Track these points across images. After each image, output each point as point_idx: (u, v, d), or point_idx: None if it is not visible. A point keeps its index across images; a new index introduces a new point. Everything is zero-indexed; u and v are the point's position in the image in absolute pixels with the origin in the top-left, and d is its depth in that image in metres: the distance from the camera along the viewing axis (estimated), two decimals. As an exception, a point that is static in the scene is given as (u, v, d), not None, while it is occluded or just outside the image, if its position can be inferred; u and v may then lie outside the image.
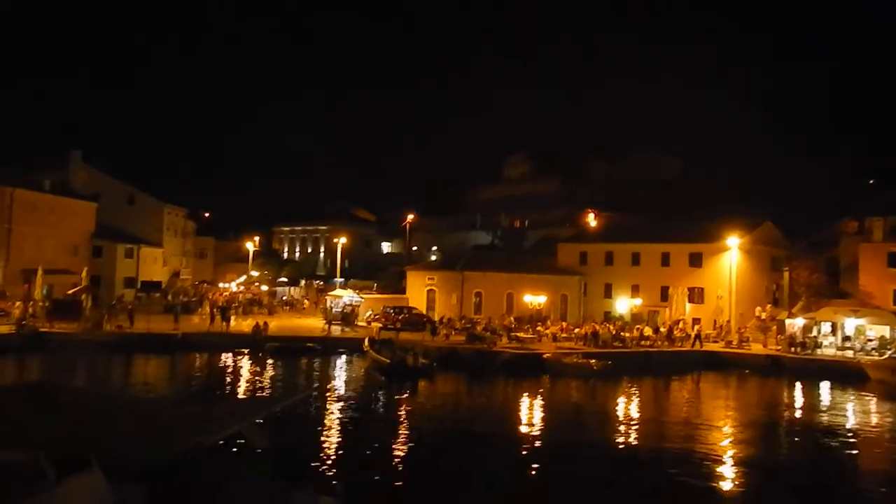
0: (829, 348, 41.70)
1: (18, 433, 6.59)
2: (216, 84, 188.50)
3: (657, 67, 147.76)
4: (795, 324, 43.04)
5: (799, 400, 32.73)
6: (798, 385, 34.78)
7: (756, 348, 42.54)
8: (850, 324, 41.90)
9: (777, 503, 15.46)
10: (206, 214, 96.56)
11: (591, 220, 73.00)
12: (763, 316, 46.50)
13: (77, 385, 28.64)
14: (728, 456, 20.10)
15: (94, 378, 31.03)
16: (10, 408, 7.09)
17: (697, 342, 43.00)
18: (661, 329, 45.04)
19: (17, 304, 41.92)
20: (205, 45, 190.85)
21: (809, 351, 40.74)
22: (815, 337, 42.32)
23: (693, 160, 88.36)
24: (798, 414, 28.90)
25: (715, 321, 48.62)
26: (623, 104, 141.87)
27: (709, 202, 64.05)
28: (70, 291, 47.09)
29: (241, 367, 35.34)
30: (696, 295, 51.25)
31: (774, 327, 44.85)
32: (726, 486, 16.95)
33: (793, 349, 40.84)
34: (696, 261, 52.20)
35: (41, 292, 45.81)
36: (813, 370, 37.26)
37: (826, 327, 43.19)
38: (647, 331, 44.53)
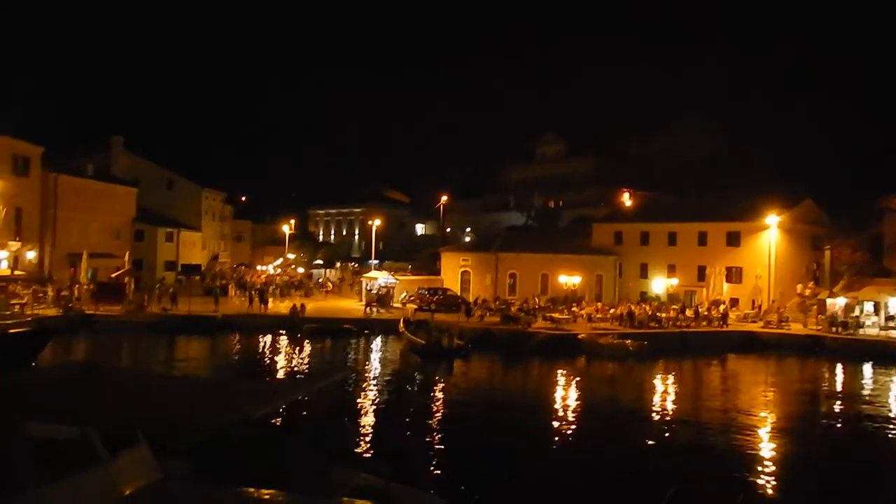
0: (871, 328, 40.82)
1: (69, 410, 6.85)
2: (252, 66, 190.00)
3: (693, 42, 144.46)
4: (837, 303, 42.19)
5: (840, 381, 32.13)
6: (839, 366, 34.13)
7: (796, 328, 41.84)
8: (894, 303, 40.92)
9: (817, 489, 15.25)
10: (243, 198, 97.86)
11: (626, 199, 72.20)
12: (807, 293, 45.63)
13: (123, 364, 29.53)
14: (766, 438, 19.88)
15: (139, 358, 31.95)
16: (61, 386, 7.36)
17: (722, 322, 42.47)
18: (688, 311, 44.49)
19: (61, 288, 43.20)
20: (236, 26, 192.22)
21: (851, 331, 39.91)
22: (857, 317, 41.46)
23: (731, 137, 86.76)
24: (839, 396, 28.35)
25: (753, 301, 47.90)
26: (658, 81, 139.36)
27: (747, 180, 62.82)
28: (113, 275, 48.32)
29: (279, 347, 35.97)
30: (734, 275, 50.53)
31: (815, 307, 44.02)
32: (763, 469, 16.76)
33: (834, 329, 40.06)
34: (733, 240, 51.37)
35: (86, 276, 47.07)
36: (855, 351, 36.52)
37: (869, 307, 42.25)
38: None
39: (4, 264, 42.50)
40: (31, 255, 48.42)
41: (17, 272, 40.86)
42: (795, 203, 51.92)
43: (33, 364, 24.51)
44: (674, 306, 45.79)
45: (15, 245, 45.64)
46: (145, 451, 7.74)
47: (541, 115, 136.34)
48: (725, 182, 66.09)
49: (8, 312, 34.49)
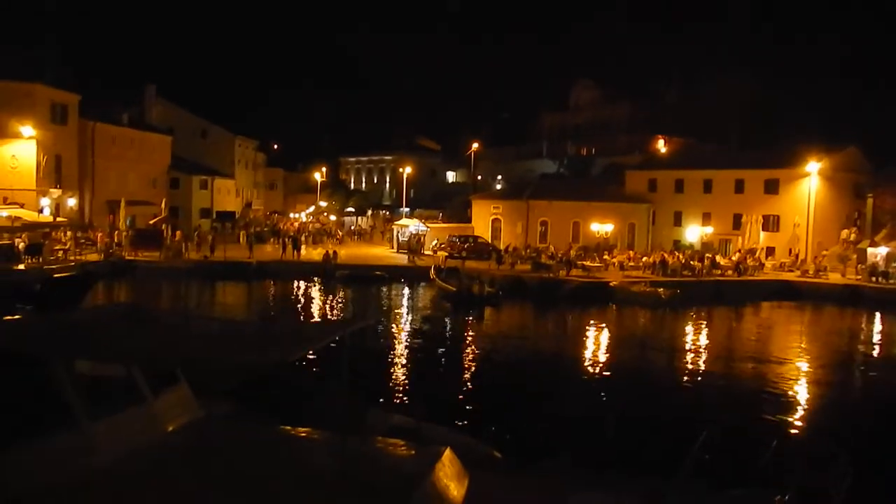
0: (915, 278, 39.95)
1: (114, 350, 7.09)
2: (283, 14, 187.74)
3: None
4: (878, 252, 41.27)
5: (878, 331, 31.66)
6: (878, 316, 33.59)
7: (834, 278, 41.12)
8: (939, 252, 39.95)
9: (850, 435, 15.21)
10: (276, 146, 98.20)
11: (661, 146, 70.76)
12: (852, 238, 44.66)
13: (164, 308, 30.34)
14: (799, 385, 19.79)
15: (179, 302, 32.79)
16: (106, 326, 7.61)
17: (755, 271, 41.88)
18: (718, 258, 43.89)
19: (103, 234, 44.22)
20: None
21: (893, 281, 39.09)
22: (898, 266, 40.55)
23: (773, 83, 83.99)
24: (876, 346, 27.96)
25: (790, 250, 47.08)
26: (696, 25, 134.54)
27: (789, 127, 61.08)
28: (151, 221, 49.29)
29: (313, 293, 36.59)
30: (771, 223, 49.60)
31: (854, 256, 43.14)
32: (796, 416, 16.76)
33: (874, 279, 39.27)
34: (772, 187, 50.25)
35: (125, 223, 48.10)
36: (895, 301, 35.86)
37: (912, 256, 41.27)
38: (719, 259, 43.63)
39: (47, 211, 43.55)
40: (71, 202, 49.52)
41: (59, 219, 41.86)
42: (838, 150, 50.34)
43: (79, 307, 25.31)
44: (707, 254, 45.23)
45: (56, 192, 46.67)
46: (186, 390, 8.01)
47: (576, 60, 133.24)
48: (769, 130, 64.36)
49: (52, 258, 35.47)
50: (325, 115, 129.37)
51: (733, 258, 44.05)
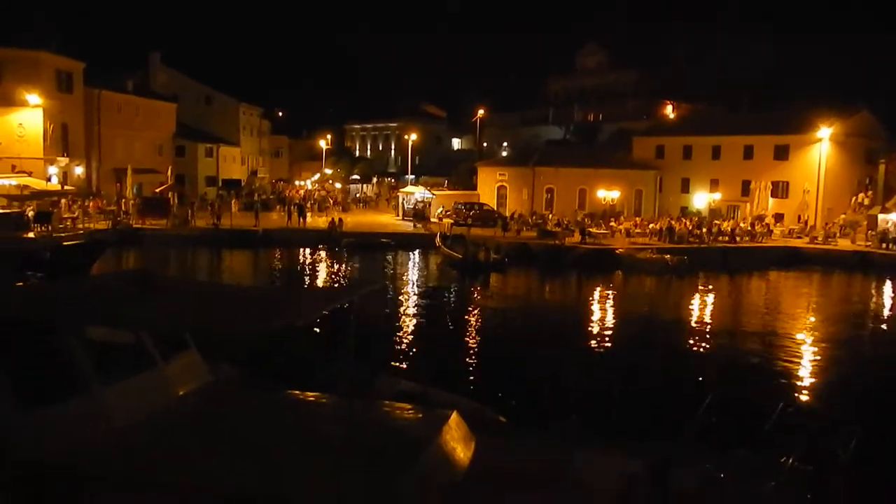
0: (926, 245, 39.68)
1: (123, 316, 7.14)
2: (283, 14, 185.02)
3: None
4: (889, 219, 40.97)
5: (889, 298, 31.57)
6: (888, 283, 33.47)
7: (843, 244, 40.91)
8: (951, 219, 39.63)
9: (855, 400, 15.29)
10: (280, 113, 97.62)
11: (670, 112, 70.05)
12: (866, 202, 44.31)
13: (172, 275, 30.50)
14: (806, 351, 19.80)
15: (186, 270, 32.98)
16: (115, 292, 7.65)
17: (762, 238, 41.69)
18: (725, 225, 43.71)
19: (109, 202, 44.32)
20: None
21: (903, 248, 38.85)
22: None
23: (785, 47, 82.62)
24: (885, 313, 27.88)
25: (799, 216, 46.84)
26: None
27: (800, 91, 60.25)
28: (157, 189, 49.32)
29: (319, 261, 36.70)
30: (780, 189, 49.28)
31: (865, 223, 42.86)
32: (802, 381, 16.82)
33: (884, 245, 39.04)
34: (781, 153, 49.79)
35: (132, 190, 48.15)
36: (906, 267, 35.70)
37: (923, 223, 40.97)
38: (725, 226, 43.45)
39: (55, 180, 43.62)
40: (79, 170, 49.57)
41: (66, 187, 41.94)
42: (850, 115, 49.65)
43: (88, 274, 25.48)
44: (716, 221, 45.03)
45: (63, 161, 46.69)
46: (196, 356, 8.09)
47: (583, 25, 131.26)
48: (780, 95, 63.50)
49: (61, 226, 35.62)
50: (330, 82, 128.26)
51: (725, 226, 43.57)
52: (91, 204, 43.51)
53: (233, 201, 49.97)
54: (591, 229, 42.09)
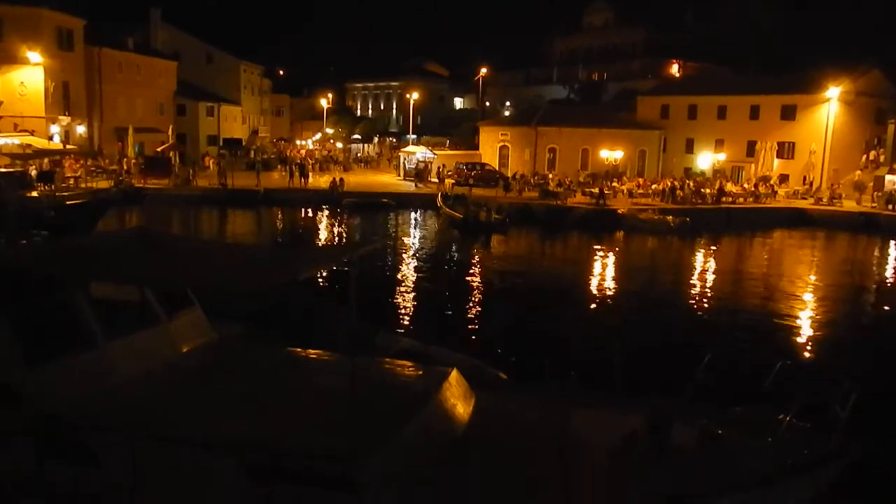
0: (934, 206, 39.48)
1: (127, 273, 7.17)
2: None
3: None
4: (896, 180, 40.76)
5: (893, 259, 31.55)
6: (892, 244, 33.42)
7: (848, 206, 40.72)
8: (959, 179, 39.33)
9: (855, 359, 15.39)
10: (281, 72, 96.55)
11: (675, 71, 69.11)
12: (882, 159, 43.96)
13: (174, 233, 30.55)
14: (807, 310, 19.86)
15: (189, 228, 33.03)
16: (119, 250, 7.67)
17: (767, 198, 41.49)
18: (731, 187, 43.46)
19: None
20: None
21: (910, 209, 38.67)
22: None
23: (793, 3, 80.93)
24: (889, 273, 27.91)
25: (804, 177, 46.56)
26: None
27: (810, 50, 59.11)
28: (159, 149, 49.09)
29: (321, 220, 36.69)
30: (786, 150, 48.93)
31: (871, 184, 42.62)
32: (802, 341, 16.91)
33: (890, 207, 38.84)
34: (788, 113, 49.26)
35: (133, 150, 47.93)
36: (911, 229, 35.58)
37: (931, 184, 40.71)
38: (729, 186, 43.25)
39: (57, 139, 43.40)
40: (80, 129, 49.25)
41: (69, 146, 41.74)
42: (860, 74, 48.86)
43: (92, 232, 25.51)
44: (724, 180, 44.70)
45: (65, 120, 46.41)
46: (200, 313, 8.15)
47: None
48: (791, 53, 62.35)
49: (63, 185, 35.54)
50: (331, 40, 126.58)
51: (729, 187, 43.30)
52: (90, 163, 43.39)
53: (209, 161, 48.95)
54: (593, 189, 41.87)
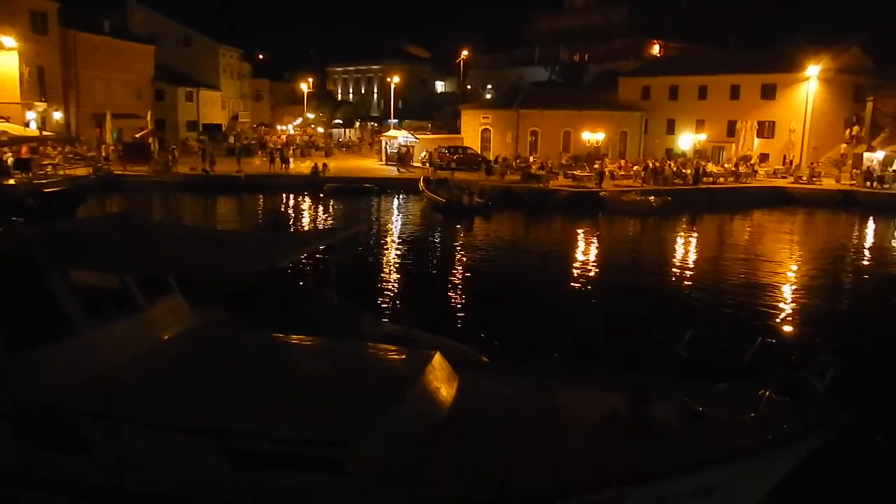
0: (910, 182, 40.04)
1: (106, 260, 7.11)
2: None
3: None
4: (874, 157, 41.15)
5: (870, 235, 31.96)
6: (871, 220, 33.88)
7: (828, 183, 41.16)
8: (936, 156, 39.82)
9: (835, 336, 15.61)
10: (261, 56, 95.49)
11: (657, 51, 69.11)
12: (863, 134, 44.39)
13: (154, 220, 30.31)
14: (786, 288, 20.08)
15: (170, 215, 32.74)
16: (98, 237, 7.60)
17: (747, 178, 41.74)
18: (712, 167, 43.74)
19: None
20: None
21: (887, 185, 39.12)
22: (895, 171, 40.51)
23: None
24: (866, 249, 28.27)
25: (784, 156, 46.92)
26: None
27: (790, 27, 59.17)
28: (137, 135, 48.47)
29: (303, 206, 36.50)
30: (766, 129, 49.26)
31: (850, 162, 43.05)
32: (782, 316, 17.11)
33: (869, 184, 39.31)
34: (769, 93, 49.55)
35: (111, 136, 47.28)
36: (889, 205, 35.99)
37: (909, 160, 41.21)
38: (709, 166, 43.53)
39: (33, 125, 42.71)
40: (57, 115, 48.51)
41: (45, 133, 41.10)
42: (840, 52, 49.09)
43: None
44: (704, 161, 44.99)
45: (41, 105, 45.67)
46: (180, 299, 8.10)
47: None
48: (772, 29, 62.32)
49: (41, 172, 35.04)
50: (311, 22, 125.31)
51: (710, 167, 43.57)
52: (67, 149, 42.76)
53: (164, 148, 48.32)
54: (575, 172, 41.97)
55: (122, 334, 7.08)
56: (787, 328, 16.16)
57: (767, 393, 6.37)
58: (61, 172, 36.47)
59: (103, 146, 44.78)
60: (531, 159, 46.93)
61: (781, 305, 18.09)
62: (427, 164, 45.61)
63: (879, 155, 41.14)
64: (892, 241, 30.07)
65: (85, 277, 7.47)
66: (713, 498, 5.80)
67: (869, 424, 9.60)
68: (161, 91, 61.86)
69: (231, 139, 60.38)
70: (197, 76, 67.65)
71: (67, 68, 50.24)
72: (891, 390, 11.69)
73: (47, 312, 6.71)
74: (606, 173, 40.69)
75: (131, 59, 58.46)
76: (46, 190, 28.10)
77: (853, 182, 40.46)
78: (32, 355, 6.29)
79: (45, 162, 37.87)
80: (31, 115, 43.86)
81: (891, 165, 40.66)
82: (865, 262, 25.25)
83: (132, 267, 7.13)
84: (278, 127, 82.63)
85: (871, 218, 34.10)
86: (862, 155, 41.98)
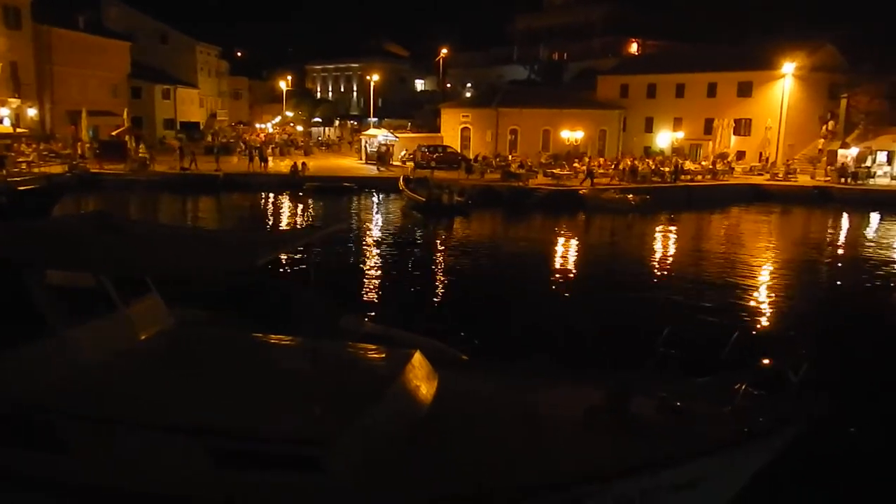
0: (883, 178, 40.70)
1: (82, 259, 7.02)
2: None
3: None
4: (849, 154, 41.79)
5: (844, 230, 32.52)
6: (845, 216, 34.43)
7: (803, 180, 41.75)
8: (910, 151, 40.55)
9: (810, 330, 15.84)
10: (239, 54, 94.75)
11: (635, 49, 69.56)
12: (837, 129, 45.07)
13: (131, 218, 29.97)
14: (763, 284, 20.33)
15: (147, 214, 32.38)
16: (74, 235, 7.50)
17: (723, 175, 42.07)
18: (690, 164, 44.17)
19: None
20: None
21: (861, 181, 39.78)
22: (868, 167, 41.17)
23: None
24: (841, 244, 28.75)
25: (761, 154, 47.48)
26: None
27: (766, 26, 59.75)
28: (114, 133, 47.91)
29: (282, 205, 36.30)
30: (742, 127, 49.81)
31: (824, 158, 43.69)
32: (759, 312, 17.32)
33: (843, 180, 39.92)
34: (745, 90, 50.11)
35: (87, 133, 46.69)
36: (863, 201, 36.69)
37: (882, 157, 41.90)
38: (687, 164, 43.92)
39: (7, 122, 42.05)
40: (31, 112, 47.82)
41: (19, 130, 40.50)
42: (815, 50, 49.77)
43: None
44: (682, 159, 45.36)
45: (15, 102, 44.96)
46: (157, 299, 8.01)
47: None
48: (744, 27, 62.91)
49: (15, 170, 34.53)
50: (290, 20, 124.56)
51: (688, 165, 44.02)
52: (42, 147, 42.17)
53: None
54: (554, 170, 42.15)
55: (98, 334, 7.00)
56: (764, 323, 16.37)
57: (743, 387, 6.45)
58: (36, 170, 36.02)
59: (79, 144, 44.18)
60: (511, 158, 47.04)
61: (758, 300, 18.33)
62: (409, 162, 45.53)
63: (853, 151, 41.79)
64: (866, 235, 30.57)
65: (60, 277, 7.37)
66: (693, 490, 5.87)
67: (843, 416, 9.75)
68: (138, 88, 61.17)
69: (209, 137, 59.85)
70: (174, 73, 66.97)
71: (42, 64, 49.51)
72: (865, 382, 11.89)
73: (21, 312, 6.61)
74: (571, 173, 41.01)
75: (107, 55, 57.71)
76: (20, 188, 27.72)
77: (828, 178, 41.07)
78: (6, 355, 6.20)
79: (20, 159, 37.39)
80: (4, 112, 43.17)
81: (864, 162, 41.31)
82: (840, 257, 25.67)
83: (109, 266, 7.04)
84: (257, 125, 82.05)
85: (845, 214, 34.70)
86: (836, 151, 42.58)
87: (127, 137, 46.29)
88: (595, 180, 40.77)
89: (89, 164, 40.91)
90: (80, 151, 42.66)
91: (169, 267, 6.78)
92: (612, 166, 44.33)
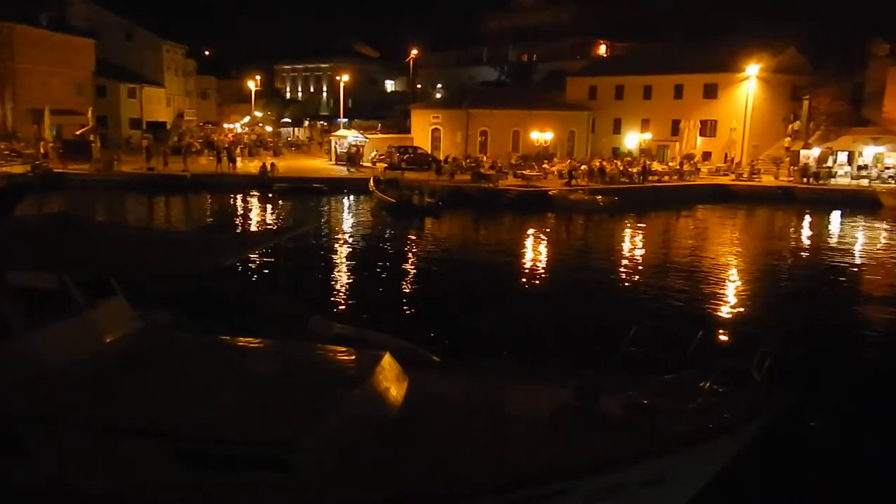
0: (844, 178, 41.68)
1: (44, 260, 6.89)
2: None
3: None
4: (810, 154, 42.70)
5: (806, 229, 33.25)
6: (807, 215, 35.22)
7: (767, 180, 42.57)
8: (869, 152, 41.57)
9: (773, 327, 16.16)
10: (206, 52, 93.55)
11: (603, 51, 70.18)
12: (800, 129, 46.07)
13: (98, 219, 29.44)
14: (728, 282, 20.65)
15: (113, 215, 31.83)
16: (36, 236, 7.36)
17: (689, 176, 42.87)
18: (657, 166, 44.81)
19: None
20: None
21: (823, 181, 40.71)
22: (829, 167, 42.12)
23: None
24: (804, 242, 29.41)
25: (726, 154, 48.26)
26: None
27: (732, 27, 60.55)
28: (78, 132, 46.99)
29: (251, 206, 35.95)
30: (708, 128, 50.58)
31: (788, 159, 44.58)
32: (724, 311, 17.62)
33: (805, 180, 40.80)
34: (711, 92, 50.89)
35: (51, 133, 45.72)
36: (825, 200, 37.59)
37: (843, 157, 42.96)
38: (655, 165, 44.47)
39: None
40: (-9, 111, 46.74)
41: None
42: (778, 52, 50.73)
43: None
44: (649, 160, 45.91)
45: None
46: (122, 301, 7.89)
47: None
48: (710, 30, 63.65)
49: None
50: (259, 19, 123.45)
51: (655, 166, 44.64)
52: (3, 146, 41.19)
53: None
54: (524, 171, 42.37)
55: (60, 336, 6.87)
56: (729, 320, 16.65)
57: (708, 384, 6.57)
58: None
59: (42, 143, 43.25)
60: (483, 159, 47.15)
61: (723, 298, 18.65)
62: (379, 163, 45.39)
63: (815, 152, 42.72)
64: (827, 234, 31.34)
65: (22, 278, 7.22)
66: (661, 486, 5.96)
67: (805, 410, 9.98)
68: (103, 87, 60.06)
69: (175, 138, 58.96)
70: (140, 72, 65.93)
71: (3, 62, 48.43)
72: (826, 377, 12.18)
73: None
74: (541, 174, 41.28)
75: (71, 52, 56.54)
76: (-20, 189, 27.03)
77: (791, 178, 41.93)
78: None
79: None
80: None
81: (825, 162, 42.25)
82: (802, 255, 26.26)
83: (71, 266, 6.92)
84: (225, 125, 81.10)
85: (807, 213, 35.51)
86: (799, 152, 43.47)
87: (92, 137, 45.46)
88: (564, 182, 41.11)
89: (52, 163, 40.09)
90: (42, 151, 41.77)
91: (133, 268, 6.69)
92: (578, 167, 44.62)
